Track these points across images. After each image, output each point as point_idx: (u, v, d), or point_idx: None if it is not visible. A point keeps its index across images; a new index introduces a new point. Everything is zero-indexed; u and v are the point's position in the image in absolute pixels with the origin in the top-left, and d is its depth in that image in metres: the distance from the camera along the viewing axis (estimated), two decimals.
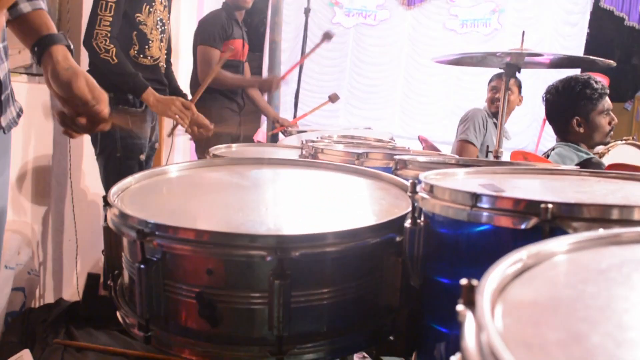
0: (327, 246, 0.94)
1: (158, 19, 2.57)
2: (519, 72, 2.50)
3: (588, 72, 4.32)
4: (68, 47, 1.22)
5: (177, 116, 2.45)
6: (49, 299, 2.75)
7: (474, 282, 0.50)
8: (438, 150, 3.98)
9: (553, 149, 3.09)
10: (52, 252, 2.84)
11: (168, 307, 0.98)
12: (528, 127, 7.66)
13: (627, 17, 7.83)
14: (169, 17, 2.70)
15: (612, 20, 8.31)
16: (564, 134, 2.95)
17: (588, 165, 2.74)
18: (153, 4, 2.53)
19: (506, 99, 2.52)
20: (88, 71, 2.49)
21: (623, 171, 1.20)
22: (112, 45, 2.35)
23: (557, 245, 0.61)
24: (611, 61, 2.50)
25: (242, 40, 3.65)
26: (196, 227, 0.95)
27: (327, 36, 3.70)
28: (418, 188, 0.98)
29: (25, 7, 1.19)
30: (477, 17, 7.95)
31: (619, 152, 4.43)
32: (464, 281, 0.51)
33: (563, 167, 1.28)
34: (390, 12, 8.40)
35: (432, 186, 0.94)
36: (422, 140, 4.38)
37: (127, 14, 2.44)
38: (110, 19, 2.35)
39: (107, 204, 1.09)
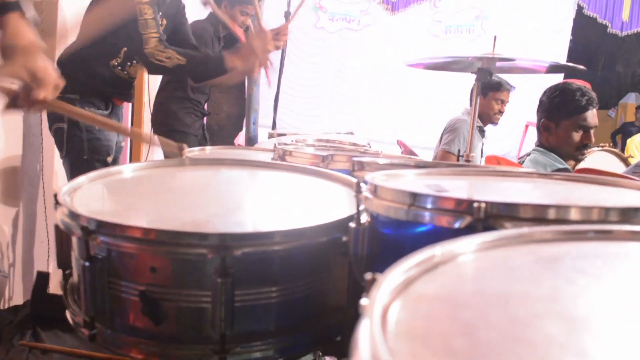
0: (272, 245, 0.95)
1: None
2: (490, 76, 2.53)
3: (570, 79, 4.36)
4: (22, 14, 1.21)
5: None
6: (18, 300, 2.72)
7: (377, 276, 0.51)
8: (414, 154, 4.00)
9: (529, 154, 3.12)
10: (23, 254, 2.81)
11: (113, 305, 0.98)
12: (510, 133, 7.71)
13: (610, 25, 7.92)
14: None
15: (596, 28, 8.40)
16: (544, 140, 2.96)
17: None
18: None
19: (477, 103, 2.55)
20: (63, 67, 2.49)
21: (580, 175, 1.21)
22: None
23: (470, 243, 0.62)
24: (582, 67, 2.52)
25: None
26: (141, 225, 0.95)
27: None
28: (363, 188, 0.99)
29: None
30: (461, 23, 8.00)
31: (595, 159, 4.48)
32: (368, 275, 0.52)
33: (513, 169, 1.30)
34: (374, 18, 8.44)
35: (375, 186, 0.94)
36: (400, 144, 4.40)
37: (128, 28, 2.37)
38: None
39: (57, 202, 1.09)
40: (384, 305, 0.46)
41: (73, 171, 2.48)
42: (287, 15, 4.44)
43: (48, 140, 2.88)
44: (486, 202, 0.79)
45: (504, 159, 3.16)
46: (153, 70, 2.41)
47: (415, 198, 0.85)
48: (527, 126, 7.55)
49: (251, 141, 4.27)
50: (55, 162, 2.98)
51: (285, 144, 2.29)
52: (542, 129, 2.86)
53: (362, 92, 8.57)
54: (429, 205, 0.84)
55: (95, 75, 2.47)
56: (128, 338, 0.98)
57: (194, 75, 2.60)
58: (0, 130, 2.52)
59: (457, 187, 1.07)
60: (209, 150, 2.49)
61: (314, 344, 1.08)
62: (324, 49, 8.41)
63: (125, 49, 2.47)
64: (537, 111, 2.95)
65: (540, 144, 2.96)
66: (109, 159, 2.49)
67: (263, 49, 2.38)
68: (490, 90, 3.84)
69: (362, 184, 0.99)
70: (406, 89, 8.31)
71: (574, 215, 0.81)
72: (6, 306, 2.66)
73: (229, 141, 4.28)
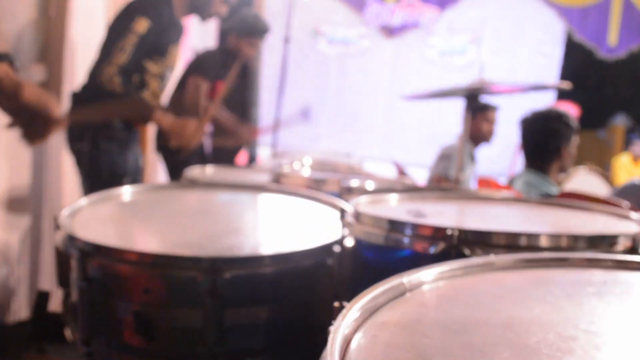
0: (261, 268, 1.00)
1: (163, 71, 2.61)
2: (478, 100, 2.61)
3: (560, 100, 4.46)
4: (11, 63, 1.28)
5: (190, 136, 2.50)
6: (23, 314, 2.76)
7: (345, 303, 0.56)
8: (408, 175, 4.05)
9: (520, 175, 3.18)
10: (30, 269, 2.85)
11: (109, 324, 1.03)
12: (501, 153, 7.79)
13: (599, 48, 8.09)
14: (172, 73, 2.74)
15: (584, 52, 8.56)
16: (538, 162, 3.03)
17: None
18: (164, 56, 2.57)
19: (468, 127, 2.61)
20: (77, 95, 2.56)
21: (553, 200, 1.27)
22: (118, 78, 2.38)
23: (436, 271, 0.67)
24: (567, 83, 2.61)
25: (224, 81, 3.75)
26: (136, 248, 1.00)
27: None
28: (347, 213, 1.04)
29: None
30: (455, 47, 8.13)
31: (580, 179, 4.59)
32: (336, 303, 0.57)
33: (493, 195, 1.35)
34: (372, 42, 8.56)
35: (358, 212, 1.00)
36: (396, 165, 4.46)
37: (136, 57, 2.45)
38: (124, 59, 2.38)
39: (57, 225, 1.14)
40: (346, 334, 0.50)
41: (91, 191, 2.53)
42: (286, 40, 4.53)
43: (55, 158, 2.94)
44: (459, 230, 0.85)
45: (494, 181, 3.21)
46: (94, 85, 2.48)
47: (393, 225, 0.91)
48: (518, 146, 7.63)
49: (252, 160, 4.33)
50: (61, 178, 3.04)
51: (281, 166, 2.36)
52: (552, 155, 2.97)
53: (360, 112, 8.67)
54: (406, 232, 0.90)
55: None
56: (123, 355, 1.03)
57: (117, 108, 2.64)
58: (10, 147, 2.58)
59: (437, 212, 1.12)
60: (210, 170, 2.56)
61: None
62: (323, 72, 8.54)
63: (136, 75, 2.53)
64: (533, 140, 3.03)
65: (536, 166, 3.04)
66: (126, 181, 2.54)
67: (189, 135, 2.53)
68: (477, 112, 3.94)
69: (346, 210, 1.04)
70: (402, 110, 8.41)
71: (543, 242, 0.87)
72: (12, 321, 2.70)
73: (229, 160, 4.33)
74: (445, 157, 3.93)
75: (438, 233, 0.86)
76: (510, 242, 0.87)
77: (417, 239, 0.88)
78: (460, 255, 0.84)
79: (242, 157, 5.69)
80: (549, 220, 1.08)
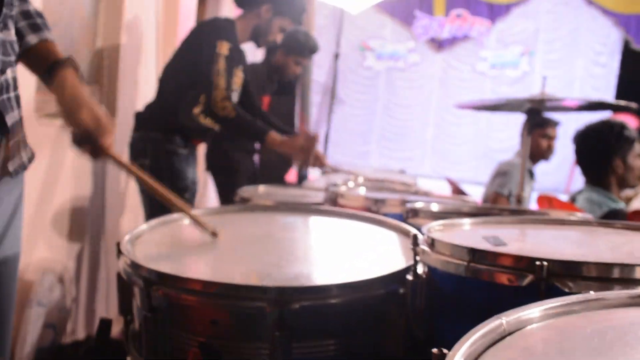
0: (329, 298, 0.95)
1: (233, 88, 2.63)
2: (540, 117, 2.51)
3: (617, 112, 4.29)
4: (76, 69, 1.28)
5: (302, 154, 2.52)
6: (80, 335, 2.79)
7: (445, 351, 0.50)
8: (464, 193, 3.95)
9: (581, 192, 3.06)
10: (86, 290, 2.89)
11: (173, 355, 0.99)
12: (557, 168, 7.58)
13: None
14: (237, 96, 2.76)
15: None
16: (595, 177, 2.91)
17: (615, 217, 2.70)
18: (233, 74, 2.59)
19: (528, 143, 2.52)
20: (141, 114, 2.61)
21: (633, 222, 1.18)
22: (228, 102, 2.42)
23: (538, 309, 0.61)
24: (634, 104, 2.49)
25: (269, 96, 3.75)
26: (201, 277, 0.97)
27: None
28: (420, 240, 0.98)
29: (32, 40, 1.26)
30: (507, 59, 7.98)
31: None
32: (435, 350, 0.52)
33: (572, 217, 1.27)
34: (421, 56, 8.49)
35: (433, 240, 0.94)
36: (449, 182, 4.37)
37: (228, 79, 2.48)
38: (224, 83, 2.41)
39: (119, 251, 1.12)
40: None
41: (151, 206, 2.56)
42: (336, 57, 4.52)
43: (112, 180, 2.99)
44: (548, 261, 0.78)
45: (555, 198, 3.09)
46: (208, 115, 2.50)
47: (474, 254, 0.85)
48: (575, 160, 7.42)
49: (302, 178, 4.31)
50: (120, 200, 3.08)
51: (336, 185, 2.32)
52: (611, 169, 2.84)
53: (410, 128, 8.60)
54: (489, 262, 0.83)
55: (179, 122, 2.57)
56: None
57: (233, 131, 2.68)
58: (69, 171, 2.62)
59: (515, 238, 1.05)
60: (262, 190, 2.54)
61: None
62: (371, 87, 8.51)
63: (204, 95, 2.54)
64: (590, 155, 2.92)
65: (596, 183, 2.92)
66: (186, 196, 2.56)
67: (307, 152, 2.54)
68: (536, 128, 3.79)
69: (418, 236, 0.99)
70: (453, 125, 8.29)
71: (639, 274, 0.79)
72: (67, 341, 2.73)
73: (279, 178, 4.32)
74: (501, 174, 3.80)
75: (525, 264, 0.80)
76: (603, 274, 0.80)
77: (501, 270, 0.82)
78: (551, 288, 0.78)
79: (291, 174, 5.69)
80: (638, 247, 1.00)
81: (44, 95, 2.48)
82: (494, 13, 8.04)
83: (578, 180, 6.48)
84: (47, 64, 1.27)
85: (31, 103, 2.31)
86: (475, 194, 4.49)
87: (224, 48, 2.45)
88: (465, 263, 0.85)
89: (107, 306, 3.04)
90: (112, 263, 2.99)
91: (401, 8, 8.53)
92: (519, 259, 0.81)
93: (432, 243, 0.95)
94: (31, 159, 1.27)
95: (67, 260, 2.71)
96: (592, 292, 0.67)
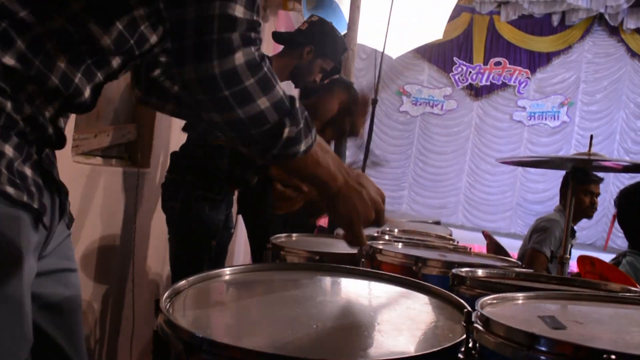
0: None
1: None
2: (586, 176, 2.44)
3: None
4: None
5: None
6: None
7: None
8: (501, 247, 3.87)
9: (625, 255, 2.96)
10: (109, 331, 2.88)
11: None
12: (597, 222, 7.40)
13: None
14: None
15: None
16: (636, 240, 2.83)
17: None
18: None
19: (572, 203, 2.45)
20: (177, 154, 2.62)
21: None
22: None
23: None
24: None
25: None
26: (243, 344, 0.93)
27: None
28: (473, 317, 0.94)
29: None
30: (545, 109, 7.90)
31: None
32: None
33: (628, 294, 1.21)
34: (458, 103, 8.48)
35: (488, 319, 0.90)
36: (486, 236, 4.28)
37: None
38: None
39: (158, 308, 1.09)
40: None
41: (177, 250, 2.56)
42: (374, 103, 4.51)
43: (141, 221, 3.00)
44: (616, 354, 0.73)
45: (598, 260, 2.99)
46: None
47: (534, 340, 0.80)
48: (614, 215, 7.24)
49: (333, 225, 4.25)
50: (148, 242, 3.09)
51: (373, 238, 2.27)
52: None
53: (443, 175, 8.52)
54: (550, 350, 0.79)
55: (216, 166, 2.57)
56: None
57: None
58: (100, 211, 2.64)
59: (572, 318, 1.00)
60: (295, 237, 2.50)
61: None
62: (407, 132, 8.50)
63: None
64: (630, 217, 2.84)
65: (637, 246, 2.84)
66: (213, 243, 2.55)
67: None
68: (579, 184, 3.67)
69: (471, 313, 0.94)
70: (489, 173, 8.20)
71: None
72: None
73: (310, 223, 4.27)
74: (540, 230, 3.70)
75: (591, 356, 0.75)
76: None
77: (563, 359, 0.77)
78: None
79: (323, 219, 5.64)
80: None
81: (80, 133, 2.52)
82: (534, 62, 8.00)
83: (617, 237, 6.30)
84: None
85: (70, 142, 2.34)
86: (509, 246, 4.39)
87: None
88: (524, 350, 0.81)
89: (131, 350, 3.01)
90: (137, 306, 2.98)
91: (440, 54, 8.57)
92: (583, 349, 0.76)
93: (486, 322, 0.91)
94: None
95: (92, 301, 2.71)
96: None
